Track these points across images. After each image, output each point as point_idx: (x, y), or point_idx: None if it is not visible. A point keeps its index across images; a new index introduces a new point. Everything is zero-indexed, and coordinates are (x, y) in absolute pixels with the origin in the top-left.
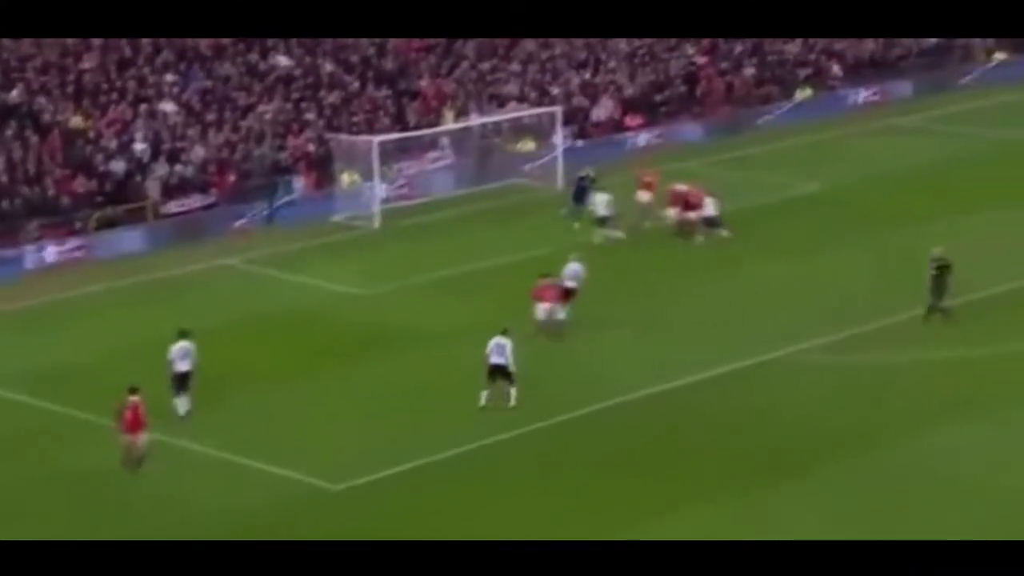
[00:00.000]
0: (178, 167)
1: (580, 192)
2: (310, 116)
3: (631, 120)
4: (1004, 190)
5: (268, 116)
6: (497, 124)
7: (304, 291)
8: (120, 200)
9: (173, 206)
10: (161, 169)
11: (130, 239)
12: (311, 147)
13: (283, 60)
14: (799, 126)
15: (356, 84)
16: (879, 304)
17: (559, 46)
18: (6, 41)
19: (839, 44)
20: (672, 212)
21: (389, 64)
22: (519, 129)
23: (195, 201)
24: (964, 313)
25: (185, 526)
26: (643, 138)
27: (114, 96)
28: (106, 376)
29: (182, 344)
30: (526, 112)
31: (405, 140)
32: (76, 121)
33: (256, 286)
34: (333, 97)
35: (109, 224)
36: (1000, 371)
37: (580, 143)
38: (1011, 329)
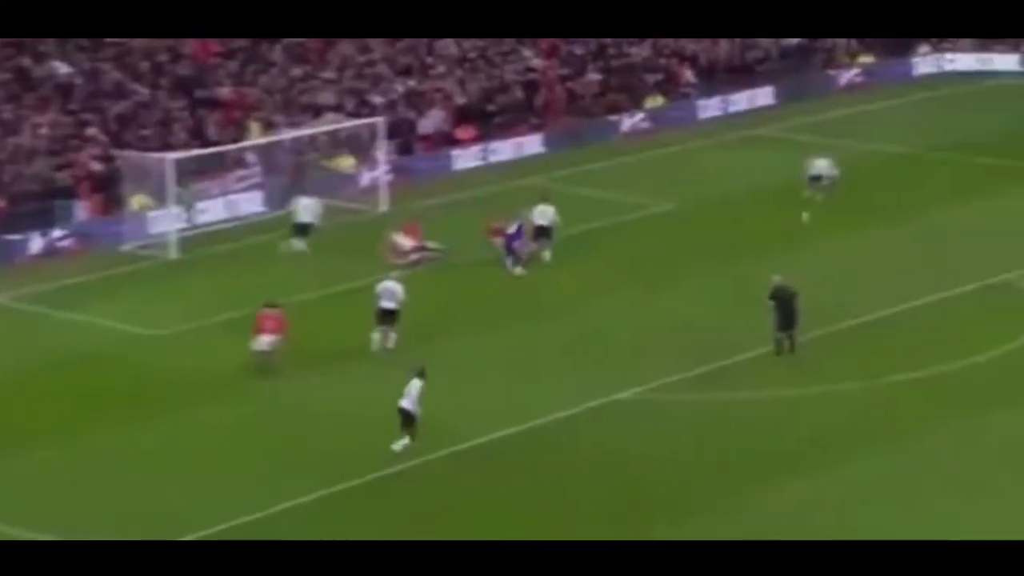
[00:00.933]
0: None
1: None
2: (93, 130)
3: (463, 132)
4: (871, 208)
5: (43, 131)
6: (311, 138)
7: (85, 332)
8: None
9: None
10: None
11: None
12: (95, 166)
13: (60, 66)
14: (650, 138)
15: (146, 93)
16: (735, 337)
17: (379, 49)
18: None
19: (691, 47)
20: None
21: (184, 70)
22: (337, 143)
23: None
24: (826, 345)
25: None
26: (475, 153)
27: None
28: None
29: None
30: (344, 124)
31: (205, 157)
32: None
33: (27, 327)
34: (120, 108)
35: None
36: (864, 408)
37: (406, 158)
38: (878, 362)
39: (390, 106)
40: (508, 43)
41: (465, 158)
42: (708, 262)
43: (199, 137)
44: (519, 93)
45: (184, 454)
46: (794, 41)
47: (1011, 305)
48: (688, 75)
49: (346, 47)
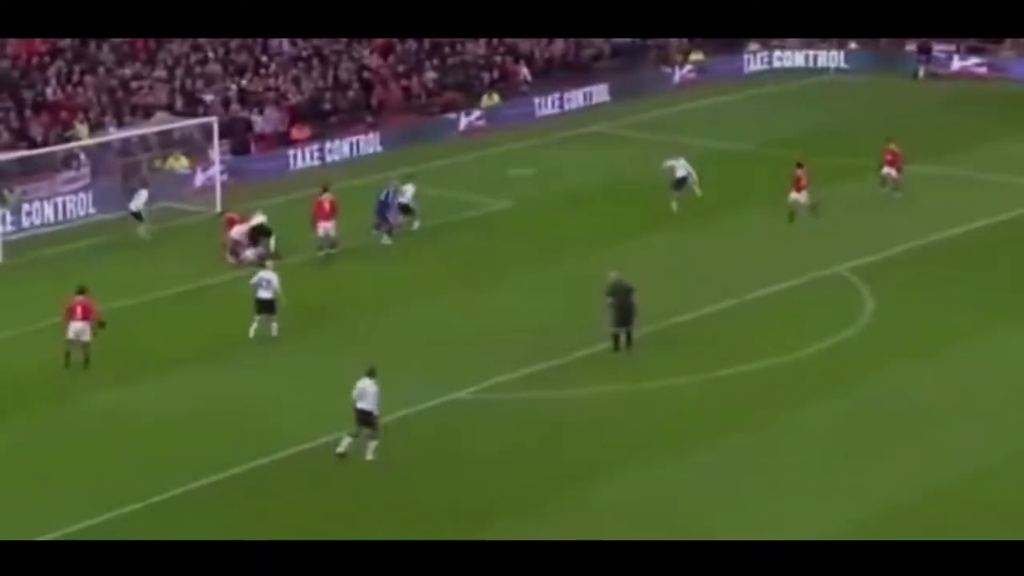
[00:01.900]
0: None
1: (383, 208)
2: None
3: (298, 132)
4: (702, 204)
5: None
6: (143, 138)
7: None
8: None
9: None
10: None
11: None
12: None
13: None
14: (487, 136)
15: None
16: (570, 334)
17: (210, 48)
18: None
19: (524, 44)
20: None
21: (8, 70)
22: (170, 144)
23: None
24: (662, 339)
25: None
26: (310, 152)
27: None
28: None
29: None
30: (176, 124)
31: (31, 159)
32: None
33: None
34: None
35: None
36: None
37: (243, 159)
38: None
39: (224, 105)
40: (342, 41)
41: (302, 158)
42: (544, 259)
43: (24, 138)
44: (355, 92)
45: (7, 460)
46: (628, 39)
47: (840, 297)
48: (524, 72)
49: (177, 46)
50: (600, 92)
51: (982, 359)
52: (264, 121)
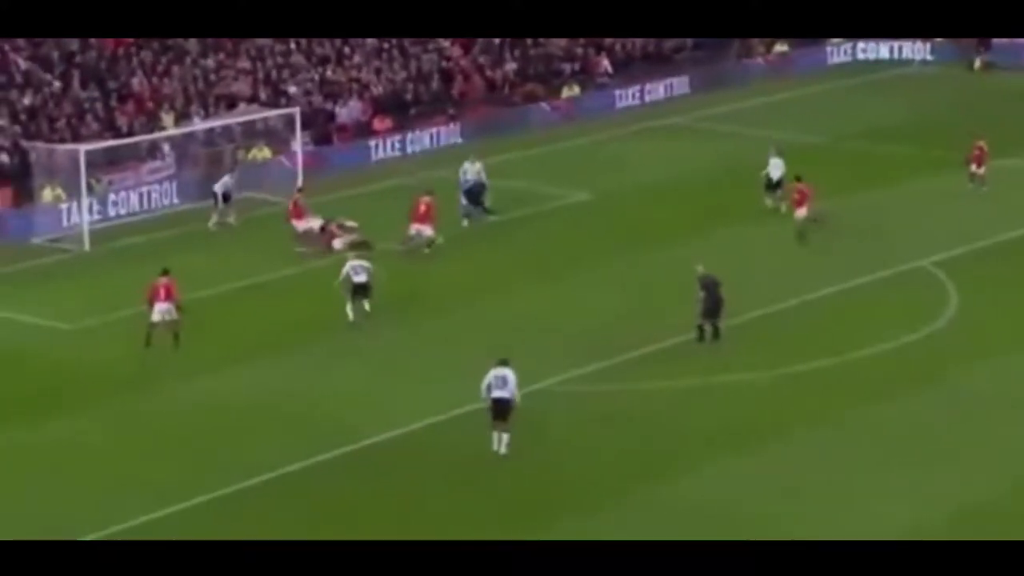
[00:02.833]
0: None
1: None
2: (2, 122)
3: (379, 123)
4: (783, 197)
5: None
6: (226, 129)
7: None
8: None
9: None
10: None
11: None
12: (5, 158)
13: None
14: (568, 128)
15: (57, 84)
16: (646, 327)
17: (293, 39)
18: None
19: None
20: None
21: (95, 60)
22: (252, 134)
23: None
24: (739, 334)
25: None
26: (391, 143)
27: None
28: None
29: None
30: (259, 115)
31: (117, 149)
32: None
33: None
34: (29, 99)
35: None
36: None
37: (324, 149)
38: (786, 351)
39: (306, 96)
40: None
41: (383, 149)
42: (622, 252)
43: (111, 128)
44: (436, 83)
45: (92, 450)
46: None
47: (924, 292)
48: (605, 64)
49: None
50: (681, 84)
51: None
52: (346, 112)
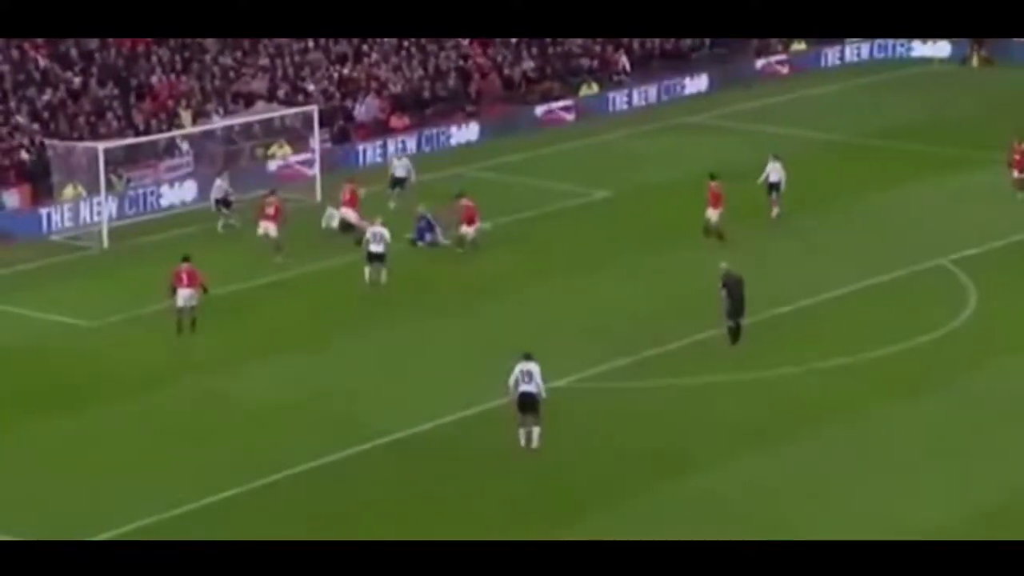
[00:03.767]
0: None
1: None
2: (21, 119)
3: (397, 121)
4: (803, 196)
5: None
6: (245, 126)
7: (16, 322)
8: None
9: None
10: None
11: None
12: (24, 155)
13: None
14: (586, 126)
15: (76, 81)
16: (672, 324)
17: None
18: None
19: None
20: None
21: (114, 58)
22: (271, 132)
23: None
24: (762, 331)
25: None
26: (410, 141)
27: None
28: None
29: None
30: (277, 113)
31: (136, 146)
32: None
33: None
34: (48, 96)
35: None
36: (801, 393)
37: (342, 147)
38: (811, 348)
39: (324, 94)
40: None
41: (401, 146)
42: (643, 249)
43: (130, 126)
44: (454, 81)
45: (113, 447)
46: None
47: (944, 290)
48: (623, 62)
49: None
50: (699, 82)
51: None
52: (364, 110)
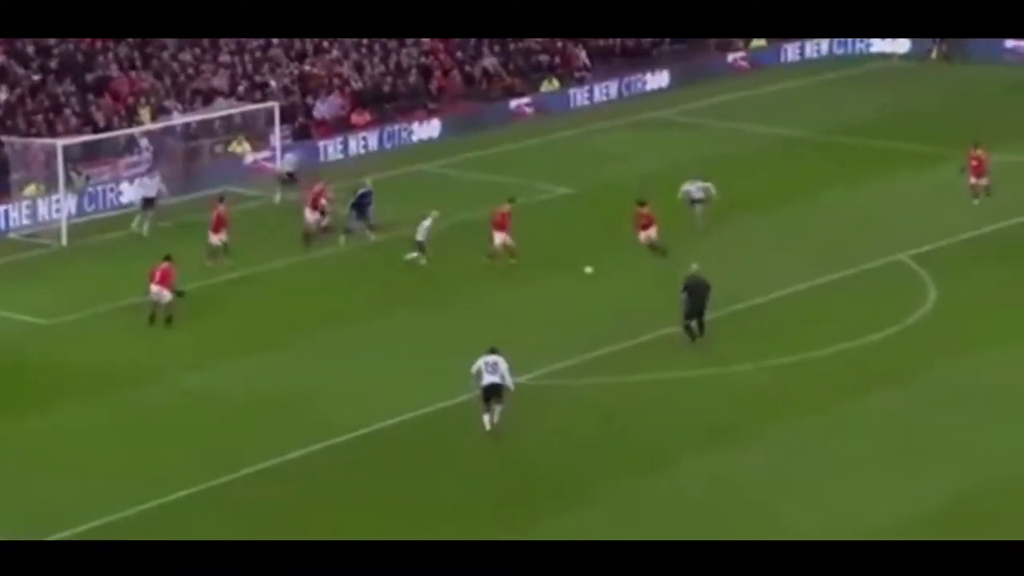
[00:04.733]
0: None
1: (361, 206)
2: None
3: (358, 117)
4: (763, 192)
5: None
6: (205, 123)
7: None
8: None
9: None
10: None
11: None
12: None
13: None
14: (546, 122)
15: (34, 77)
16: (633, 320)
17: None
18: None
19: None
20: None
21: (72, 54)
22: (231, 128)
23: None
24: (724, 327)
25: None
26: (372, 138)
27: None
28: None
29: None
30: (238, 109)
31: (95, 143)
32: None
33: None
34: (5, 93)
35: None
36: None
37: (301, 143)
38: (771, 343)
39: (285, 91)
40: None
41: (362, 143)
42: (606, 245)
43: (89, 123)
44: (414, 77)
45: (71, 444)
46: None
47: (903, 285)
48: (583, 58)
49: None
50: (660, 78)
51: None
52: (325, 107)
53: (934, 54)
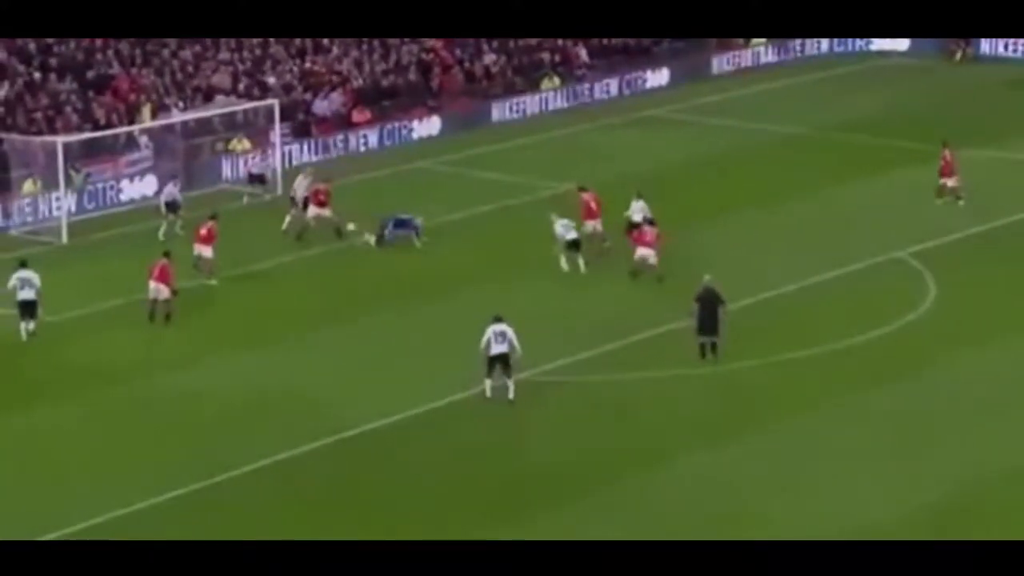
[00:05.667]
0: None
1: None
2: None
3: (359, 115)
4: (762, 190)
5: None
6: (205, 121)
7: None
8: None
9: None
10: None
11: None
12: None
13: None
14: (546, 120)
15: (35, 75)
16: (634, 317)
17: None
18: None
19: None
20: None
21: (72, 52)
22: (232, 126)
23: None
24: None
25: None
26: (372, 135)
27: None
28: None
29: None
30: (238, 107)
31: (96, 140)
32: None
33: None
34: (6, 90)
35: None
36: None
37: (302, 142)
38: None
39: (285, 88)
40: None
41: (362, 141)
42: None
43: (89, 120)
44: (415, 75)
45: (72, 441)
46: None
47: (903, 282)
48: (583, 55)
49: None
50: (660, 76)
51: None
52: (326, 104)
53: (958, 56)
